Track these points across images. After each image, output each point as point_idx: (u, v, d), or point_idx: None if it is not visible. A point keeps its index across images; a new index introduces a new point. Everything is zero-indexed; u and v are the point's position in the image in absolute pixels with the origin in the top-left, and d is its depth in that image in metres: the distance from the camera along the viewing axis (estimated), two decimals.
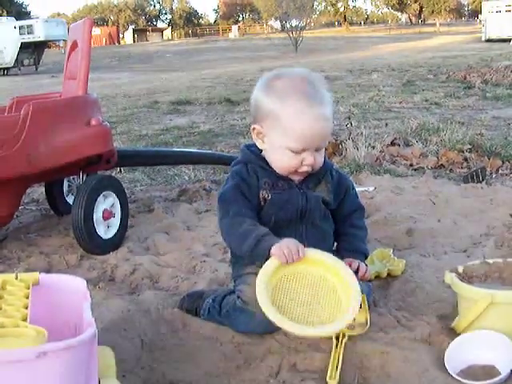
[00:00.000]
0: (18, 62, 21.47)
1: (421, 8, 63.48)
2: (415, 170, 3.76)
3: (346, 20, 68.41)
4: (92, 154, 2.56)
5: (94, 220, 2.46)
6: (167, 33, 71.75)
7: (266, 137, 1.69)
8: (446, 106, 6.82)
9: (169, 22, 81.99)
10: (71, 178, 3.05)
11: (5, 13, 41.11)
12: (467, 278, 1.68)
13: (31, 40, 21.06)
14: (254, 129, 1.71)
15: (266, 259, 1.58)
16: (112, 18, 76.81)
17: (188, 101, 8.50)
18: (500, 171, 3.58)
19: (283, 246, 1.56)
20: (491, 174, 3.53)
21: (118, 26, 67.50)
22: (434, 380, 1.42)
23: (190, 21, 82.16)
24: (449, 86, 8.96)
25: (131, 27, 70.39)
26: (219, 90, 10.20)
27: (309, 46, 27.37)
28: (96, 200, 2.48)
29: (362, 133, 4.51)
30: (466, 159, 3.84)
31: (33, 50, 21.90)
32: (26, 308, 1.18)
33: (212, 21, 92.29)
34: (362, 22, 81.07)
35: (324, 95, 1.65)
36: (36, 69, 22.04)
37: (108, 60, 26.47)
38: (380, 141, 4.36)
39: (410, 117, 5.83)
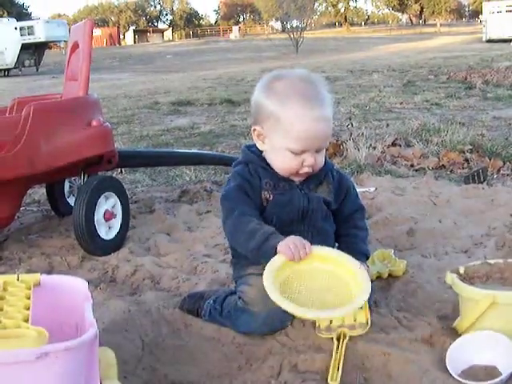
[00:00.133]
0: (19, 62, 21.48)
1: (421, 8, 63.49)
2: (416, 170, 3.76)
3: (346, 21, 68.42)
4: (93, 155, 2.56)
5: (95, 221, 2.46)
6: (168, 34, 71.79)
7: (266, 138, 1.69)
8: (447, 107, 6.82)
9: (169, 23, 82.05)
10: (72, 178, 3.05)
11: (6, 14, 41.17)
12: (468, 278, 1.68)
13: (32, 41, 21.06)
14: (254, 130, 1.71)
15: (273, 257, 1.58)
16: (113, 18, 76.86)
17: (189, 101, 8.51)
18: (501, 172, 3.58)
19: (289, 243, 1.56)
20: (492, 174, 3.53)
21: (118, 27, 67.51)
22: (435, 380, 1.42)
23: (190, 22, 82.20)
24: (449, 86, 8.96)
25: (132, 28, 70.42)
26: (220, 90, 10.20)
27: (309, 47, 27.38)
28: (97, 201, 2.48)
29: (362, 133, 4.51)
30: (466, 160, 3.84)
31: (33, 51, 21.91)
32: (28, 309, 1.18)
33: (213, 21, 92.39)
34: (363, 23, 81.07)
35: (324, 96, 1.65)
36: (37, 70, 22.05)
37: (109, 61, 26.48)
38: (381, 141, 4.36)
39: (410, 117, 5.83)
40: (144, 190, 3.62)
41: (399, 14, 75.52)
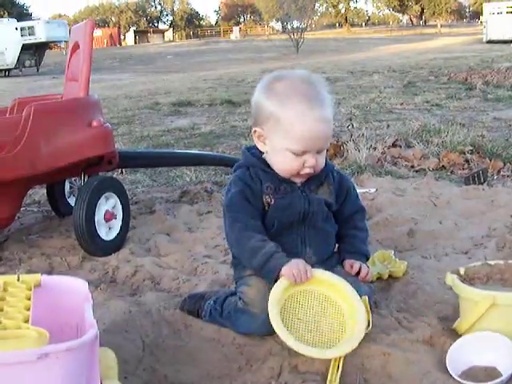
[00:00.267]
0: (20, 63, 21.48)
1: (422, 9, 63.45)
2: (416, 171, 3.76)
3: (347, 21, 68.38)
4: (93, 156, 2.56)
5: (96, 221, 2.47)
6: (168, 34, 71.81)
7: (267, 139, 1.69)
8: (447, 108, 6.82)
9: (170, 24, 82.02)
10: (73, 179, 3.05)
11: (6, 14, 41.18)
12: (468, 279, 1.68)
13: (33, 41, 21.06)
14: (255, 131, 1.71)
15: (276, 278, 1.60)
16: (113, 19, 76.86)
17: (189, 102, 8.51)
18: (501, 173, 3.58)
19: (293, 267, 1.58)
20: (492, 175, 3.53)
21: (119, 28, 67.52)
22: (435, 381, 1.42)
23: (191, 22, 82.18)
24: (450, 87, 8.96)
25: (132, 29, 70.40)
26: (220, 91, 10.20)
27: (310, 48, 27.38)
28: (97, 201, 2.48)
29: (363, 134, 4.51)
30: (467, 161, 3.84)
31: (34, 52, 21.91)
32: (28, 309, 1.18)
33: (213, 22, 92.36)
34: (364, 24, 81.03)
35: (325, 97, 1.65)
36: (37, 70, 22.05)
37: (109, 61, 26.49)
38: (381, 142, 4.36)
39: (411, 118, 5.83)
40: (144, 190, 3.62)
41: (400, 15, 75.47)
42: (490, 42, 26.31)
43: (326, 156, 1.75)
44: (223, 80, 12.91)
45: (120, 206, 2.62)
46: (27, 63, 22.09)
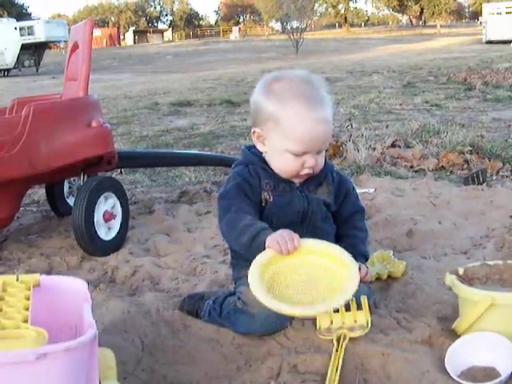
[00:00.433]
0: (19, 63, 21.50)
1: (421, 10, 63.42)
2: (416, 171, 3.76)
3: (346, 21, 68.37)
4: (93, 156, 2.56)
5: (95, 221, 2.47)
6: (168, 34, 71.81)
7: (266, 140, 1.68)
8: (447, 108, 6.83)
9: (169, 24, 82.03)
10: (72, 179, 3.05)
11: (6, 14, 41.14)
12: (467, 279, 1.68)
13: (32, 41, 21.08)
14: (254, 132, 1.71)
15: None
16: (113, 19, 76.84)
17: (188, 102, 8.51)
18: (500, 173, 3.58)
19: (277, 237, 1.56)
20: (492, 175, 3.53)
21: (118, 28, 67.50)
22: (434, 382, 1.42)
23: (190, 22, 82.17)
24: (449, 87, 8.97)
25: (132, 28, 70.42)
26: (220, 91, 10.21)
27: (309, 48, 27.38)
28: (97, 201, 2.48)
29: (362, 134, 4.52)
30: (466, 161, 3.84)
31: (33, 51, 21.93)
32: (27, 309, 1.18)
33: (213, 22, 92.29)
34: (363, 24, 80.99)
35: (324, 97, 1.64)
36: (37, 70, 22.06)
37: (108, 61, 26.49)
38: (380, 142, 4.37)
39: (410, 118, 5.84)
40: (143, 190, 3.62)
41: (399, 15, 75.50)
42: (489, 42, 26.32)
43: (326, 156, 1.75)
44: (222, 80, 12.92)
45: (119, 206, 2.62)
46: (26, 63, 22.12)
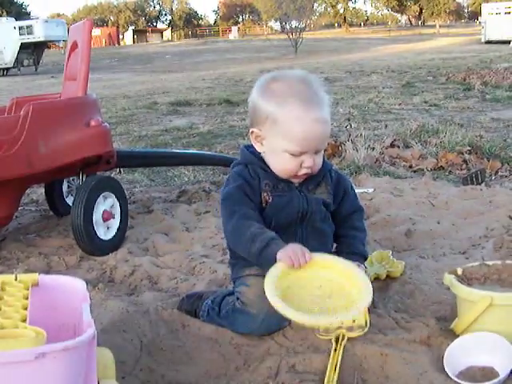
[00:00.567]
0: (18, 62, 21.47)
1: (420, 10, 63.45)
2: (414, 171, 3.77)
3: (345, 21, 68.37)
4: (91, 155, 2.56)
5: (94, 221, 2.46)
6: (167, 34, 71.81)
7: (264, 140, 1.68)
8: (446, 108, 6.83)
9: (168, 23, 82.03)
10: (71, 178, 3.05)
11: (5, 13, 41.12)
12: (466, 279, 1.68)
13: (31, 40, 21.05)
14: (252, 132, 1.70)
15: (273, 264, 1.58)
16: (112, 18, 76.84)
17: (187, 102, 8.51)
18: (499, 173, 3.59)
19: (289, 251, 1.55)
20: (490, 175, 3.54)
21: (117, 27, 67.49)
22: (432, 381, 1.43)
23: (189, 22, 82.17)
24: (448, 87, 8.97)
25: (131, 28, 70.43)
26: (219, 91, 10.20)
27: (308, 48, 27.37)
28: (95, 201, 2.48)
29: (361, 134, 4.52)
30: (465, 161, 3.84)
31: (32, 51, 21.90)
32: (26, 309, 1.18)
33: (212, 22, 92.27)
34: (362, 24, 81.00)
35: (322, 97, 1.64)
36: (36, 69, 22.04)
37: (108, 61, 26.47)
38: (379, 142, 4.37)
39: (409, 118, 5.84)
40: (142, 190, 3.62)
41: (398, 15, 75.50)
42: (488, 42, 26.34)
43: (324, 155, 1.75)
44: (221, 80, 12.92)
45: (118, 206, 2.62)
46: (25, 62, 22.09)
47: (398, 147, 4.33)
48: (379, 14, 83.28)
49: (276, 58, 22.94)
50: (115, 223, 2.59)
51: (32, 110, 2.34)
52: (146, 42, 61.49)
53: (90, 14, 69.98)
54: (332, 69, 14.54)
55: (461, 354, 1.48)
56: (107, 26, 69.15)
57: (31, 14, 54.26)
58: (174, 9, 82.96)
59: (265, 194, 1.69)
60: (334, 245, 1.84)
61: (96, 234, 2.48)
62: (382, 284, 2.02)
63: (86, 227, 2.42)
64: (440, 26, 52.95)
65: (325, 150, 1.77)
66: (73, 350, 1.04)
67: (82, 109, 2.59)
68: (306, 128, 1.59)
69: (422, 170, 3.75)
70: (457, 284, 1.62)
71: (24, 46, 21.16)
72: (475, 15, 66.97)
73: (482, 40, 27.27)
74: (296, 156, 1.63)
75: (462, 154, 3.96)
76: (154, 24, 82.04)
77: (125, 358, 1.57)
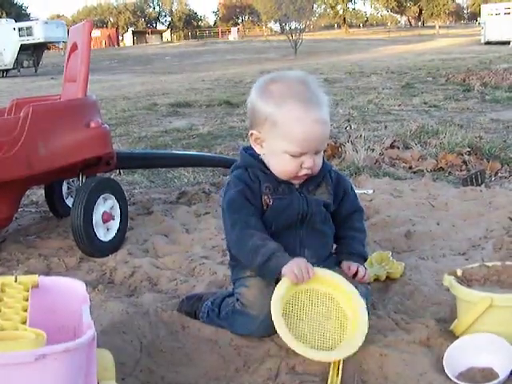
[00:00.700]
0: (18, 63, 21.48)
1: (420, 11, 63.47)
2: (414, 172, 3.77)
3: (345, 22, 68.36)
4: (91, 156, 2.56)
5: (94, 222, 2.46)
6: (167, 35, 71.85)
7: (264, 142, 1.68)
8: (445, 109, 6.83)
9: (168, 25, 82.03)
10: (70, 180, 3.05)
11: (4, 14, 41.12)
12: (466, 280, 1.68)
13: (31, 42, 21.06)
14: (251, 134, 1.70)
15: (277, 278, 1.59)
16: (111, 20, 76.83)
17: (187, 103, 8.51)
18: (499, 174, 3.59)
19: (294, 266, 1.57)
20: (490, 176, 3.54)
21: (117, 28, 67.52)
22: (432, 383, 1.43)
23: (189, 23, 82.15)
24: (448, 88, 8.97)
25: (131, 29, 70.47)
26: (218, 92, 10.21)
27: (308, 49, 27.39)
28: (95, 202, 2.48)
29: (361, 135, 4.52)
30: (465, 162, 3.84)
31: (32, 52, 21.91)
32: (25, 311, 1.18)
33: (211, 23, 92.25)
34: (362, 25, 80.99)
35: (321, 98, 1.64)
36: (35, 71, 22.04)
37: (107, 62, 26.48)
38: (379, 143, 4.37)
39: (409, 119, 5.84)
40: (142, 191, 3.62)
41: (398, 16, 75.50)
42: (487, 43, 26.34)
43: (324, 156, 1.75)
44: (221, 81, 12.92)
45: (118, 207, 2.61)
46: (25, 64, 22.09)
47: (398, 148, 4.33)
48: (379, 15, 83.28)
49: (276, 59, 22.95)
50: (115, 224, 2.59)
51: (32, 111, 2.34)
52: (146, 43, 61.54)
53: (90, 16, 69.93)
54: (331, 70, 14.54)
55: (460, 355, 1.48)
56: (107, 27, 69.15)
57: (31, 16, 54.30)
58: (173, 10, 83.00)
59: (265, 197, 1.69)
60: (334, 245, 1.84)
61: (96, 236, 2.48)
62: (381, 285, 2.02)
63: (86, 228, 2.42)
64: (440, 27, 52.95)
65: (324, 151, 1.77)
66: (73, 352, 1.04)
67: (82, 110, 2.59)
68: (306, 129, 1.59)
69: (422, 171, 3.75)
70: (456, 285, 1.62)
71: (24, 48, 21.17)
72: (475, 16, 66.92)
73: (482, 41, 27.27)
74: (296, 157, 1.63)
75: (462, 155, 3.96)
76: (154, 25, 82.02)
77: (125, 359, 1.57)
